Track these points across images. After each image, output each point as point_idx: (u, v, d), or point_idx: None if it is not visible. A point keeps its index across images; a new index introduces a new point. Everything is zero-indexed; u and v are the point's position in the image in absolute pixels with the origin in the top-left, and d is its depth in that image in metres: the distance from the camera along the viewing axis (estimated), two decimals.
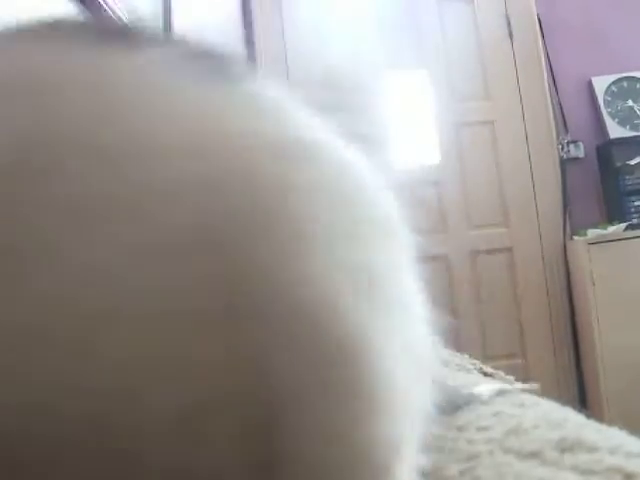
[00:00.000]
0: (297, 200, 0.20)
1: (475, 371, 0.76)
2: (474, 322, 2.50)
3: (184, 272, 0.18)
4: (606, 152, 2.46)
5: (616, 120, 2.51)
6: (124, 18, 0.69)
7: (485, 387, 0.65)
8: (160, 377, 0.17)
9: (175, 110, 0.20)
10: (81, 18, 0.58)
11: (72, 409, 0.17)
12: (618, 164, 2.39)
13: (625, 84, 2.55)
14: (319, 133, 0.23)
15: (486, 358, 2.33)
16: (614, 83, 2.55)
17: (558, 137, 2.54)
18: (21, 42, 0.23)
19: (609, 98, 2.53)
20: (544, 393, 0.53)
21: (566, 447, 0.24)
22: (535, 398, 0.47)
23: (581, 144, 2.53)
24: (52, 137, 0.19)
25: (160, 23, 0.98)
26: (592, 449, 0.24)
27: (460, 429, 0.28)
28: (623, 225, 2.22)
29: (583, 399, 2.37)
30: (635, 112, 2.52)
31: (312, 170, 0.21)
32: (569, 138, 2.53)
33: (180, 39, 0.25)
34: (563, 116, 2.56)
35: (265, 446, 0.18)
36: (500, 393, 0.65)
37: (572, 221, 2.50)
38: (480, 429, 0.28)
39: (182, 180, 0.19)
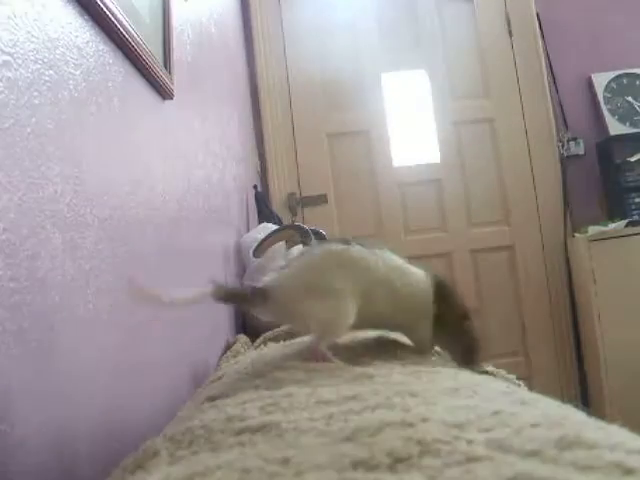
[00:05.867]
0: None
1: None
2: (475, 320, 2.49)
3: None
4: (606, 149, 2.46)
5: (616, 117, 2.51)
6: (122, 17, 0.69)
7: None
8: None
9: None
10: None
11: None
12: (618, 161, 2.39)
13: (625, 81, 2.55)
14: None
15: (488, 356, 2.32)
16: (614, 80, 2.54)
17: (558, 134, 2.54)
18: None
19: (609, 95, 2.53)
20: (546, 390, 0.53)
21: (566, 445, 0.25)
22: (536, 395, 0.47)
23: (581, 141, 2.52)
24: None
25: (159, 23, 0.98)
26: (592, 447, 0.24)
27: (461, 429, 0.28)
28: (624, 222, 2.22)
29: (585, 396, 2.37)
30: (635, 109, 2.52)
31: None
32: (569, 135, 2.53)
33: None
34: (563, 113, 2.55)
35: None
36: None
37: (573, 218, 2.50)
38: (481, 430, 0.28)
39: None
